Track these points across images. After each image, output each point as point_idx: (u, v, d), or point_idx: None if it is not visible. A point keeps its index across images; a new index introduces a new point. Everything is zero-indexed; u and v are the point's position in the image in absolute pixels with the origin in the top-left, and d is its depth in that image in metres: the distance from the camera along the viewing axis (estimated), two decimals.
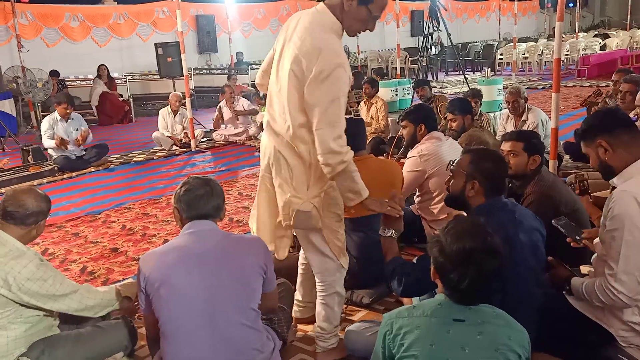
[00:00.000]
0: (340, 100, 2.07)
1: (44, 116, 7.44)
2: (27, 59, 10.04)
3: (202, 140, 7.94)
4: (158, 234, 4.36)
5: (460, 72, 10.22)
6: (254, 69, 12.32)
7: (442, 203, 3.30)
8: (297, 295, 2.72)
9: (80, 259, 3.91)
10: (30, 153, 6.53)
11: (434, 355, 1.59)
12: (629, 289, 1.97)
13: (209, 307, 1.96)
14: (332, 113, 2.06)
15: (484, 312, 1.64)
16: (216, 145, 7.82)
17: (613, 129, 2.08)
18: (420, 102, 6.51)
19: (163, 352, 2.04)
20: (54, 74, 10.52)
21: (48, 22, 11.54)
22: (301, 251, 2.61)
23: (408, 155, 3.52)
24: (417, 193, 3.53)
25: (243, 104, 7.99)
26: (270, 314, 2.29)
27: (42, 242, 4.19)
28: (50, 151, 6.56)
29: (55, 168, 6.40)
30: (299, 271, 2.68)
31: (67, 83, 11.01)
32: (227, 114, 7.94)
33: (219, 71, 12.49)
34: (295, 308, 2.72)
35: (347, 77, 2.09)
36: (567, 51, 15.27)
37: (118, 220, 4.75)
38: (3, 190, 5.32)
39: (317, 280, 2.39)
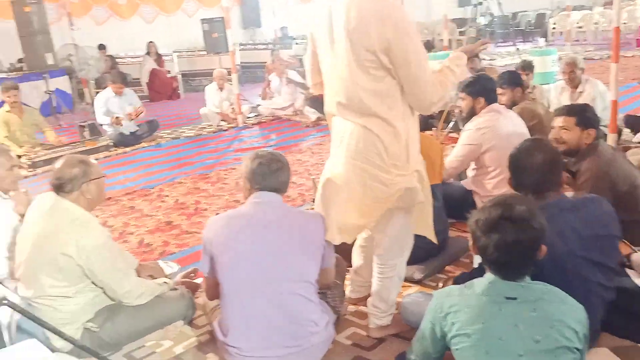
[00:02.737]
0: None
1: (97, 93, 7.68)
2: (78, 38, 10.31)
3: (249, 115, 8.03)
4: (210, 207, 4.46)
5: (512, 43, 9.86)
6: (298, 44, 12.26)
7: (498, 178, 3.23)
8: (357, 276, 2.67)
9: (137, 231, 4.06)
10: (86, 129, 6.77)
11: (487, 333, 1.59)
12: None
13: (270, 274, 2.03)
14: (424, 65, 2.03)
15: (536, 289, 1.63)
16: (263, 120, 7.89)
17: None
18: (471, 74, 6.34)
19: (223, 312, 2.14)
20: (102, 47, 10.76)
21: None
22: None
23: (465, 128, 3.42)
24: (473, 167, 3.44)
25: (292, 75, 8.03)
26: (325, 289, 2.33)
27: (102, 215, 4.37)
28: (105, 127, 6.79)
29: (110, 143, 6.63)
30: (359, 251, 2.62)
31: (117, 60, 11.28)
32: (275, 85, 8.03)
33: (263, 46, 12.50)
34: (352, 287, 2.70)
35: None
36: (625, 20, 14.47)
37: (171, 194, 4.89)
38: None
39: (378, 261, 2.35)
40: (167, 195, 4.86)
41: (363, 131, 2.11)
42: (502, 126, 3.25)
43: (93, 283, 2.34)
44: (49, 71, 8.95)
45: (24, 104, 6.44)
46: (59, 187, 2.35)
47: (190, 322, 2.65)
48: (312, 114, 7.48)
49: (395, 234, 2.29)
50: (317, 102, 7.51)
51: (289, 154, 5.97)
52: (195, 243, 3.72)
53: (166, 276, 2.87)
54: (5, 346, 1.92)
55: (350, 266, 2.72)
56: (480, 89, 3.38)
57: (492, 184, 3.27)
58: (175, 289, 2.66)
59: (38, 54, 9.03)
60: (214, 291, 2.20)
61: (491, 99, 3.39)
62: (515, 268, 1.65)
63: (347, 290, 2.70)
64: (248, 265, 2.04)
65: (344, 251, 2.72)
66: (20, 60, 9.79)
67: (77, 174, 2.35)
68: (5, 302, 1.93)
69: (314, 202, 3.70)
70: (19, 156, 5.46)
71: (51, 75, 8.90)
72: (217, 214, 4.17)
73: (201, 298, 2.65)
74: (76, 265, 2.26)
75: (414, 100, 2.08)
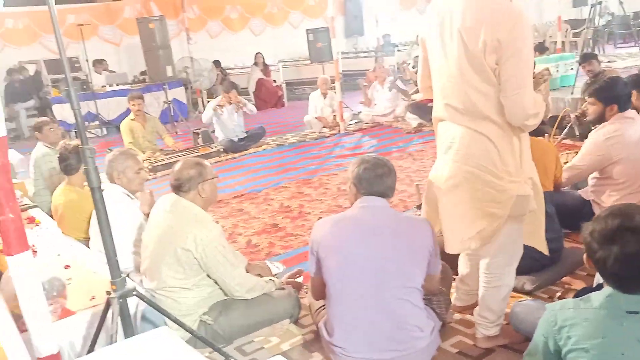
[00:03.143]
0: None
1: (209, 101, 8.17)
2: (194, 50, 11.04)
3: (350, 122, 8.13)
4: (313, 211, 4.58)
5: (635, 44, 9.12)
6: (400, 51, 12.21)
7: (626, 191, 2.98)
8: (463, 284, 2.63)
9: (245, 232, 4.26)
10: (199, 136, 7.23)
11: (607, 349, 1.50)
12: None
13: (377, 278, 2.05)
14: (528, 73, 1.98)
15: None
16: (364, 127, 7.95)
17: None
18: (589, 77, 5.94)
19: (329, 313, 2.19)
20: (217, 64, 11.45)
21: (211, 14, 12.54)
22: None
23: (590, 135, 3.18)
24: (595, 175, 3.21)
25: (392, 82, 8.04)
26: (430, 295, 2.31)
27: (213, 216, 4.60)
28: (217, 132, 7.20)
29: (221, 149, 7.02)
30: (465, 259, 2.57)
31: (227, 71, 11.91)
32: (378, 93, 8.09)
33: (365, 54, 12.58)
34: (457, 295, 2.66)
35: None
36: None
37: (276, 198, 5.08)
38: None
39: (485, 269, 2.30)
40: (272, 199, 5.05)
41: (475, 135, 2.07)
42: (632, 134, 3.01)
43: (208, 276, 2.51)
44: (168, 82, 9.66)
45: (146, 113, 7.01)
46: (178, 187, 2.55)
47: (296, 321, 2.74)
48: (413, 121, 7.41)
49: (504, 241, 2.22)
50: (418, 108, 7.39)
51: (390, 160, 5.95)
52: (299, 245, 3.84)
53: (273, 275, 2.99)
54: (134, 334, 2.11)
55: (457, 274, 2.67)
56: (615, 95, 3.10)
57: (619, 196, 3.01)
58: (283, 289, 2.76)
59: (159, 66, 9.76)
60: (320, 292, 2.25)
61: (625, 107, 3.11)
62: (638, 280, 1.54)
63: (453, 298, 2.65)
64: (355, 268, 2.07)
65: (450, 258, 2.68)
66: (143, 73, 10.66)
67: (194, 175, 2.55)
68: (135, 292, 2.12)
69: (418, 207, 3.68)
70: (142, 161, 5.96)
71: (169, 87, 9.61)
72: (320, 217, 4.27)
73: (307, 298, 2.73)
74: (194, 259, 2.44)
75: (510, 107, 1.99)
